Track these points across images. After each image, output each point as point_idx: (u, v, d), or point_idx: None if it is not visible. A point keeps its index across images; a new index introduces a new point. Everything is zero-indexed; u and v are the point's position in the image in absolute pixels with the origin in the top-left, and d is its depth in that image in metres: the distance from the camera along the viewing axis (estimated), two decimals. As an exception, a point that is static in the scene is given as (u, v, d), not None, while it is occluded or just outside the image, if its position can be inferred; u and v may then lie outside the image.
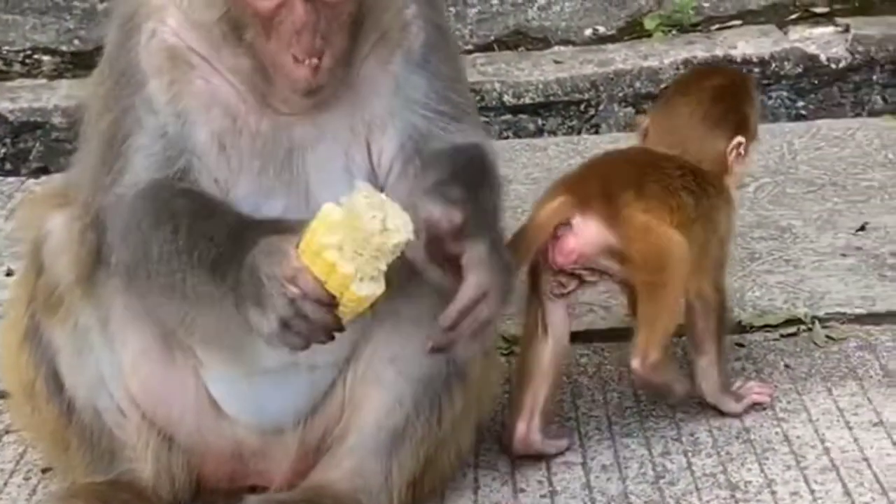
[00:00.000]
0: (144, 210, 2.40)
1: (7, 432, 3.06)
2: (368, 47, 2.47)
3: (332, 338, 2.27)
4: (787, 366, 3.21)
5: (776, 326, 3.39)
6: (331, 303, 2.22)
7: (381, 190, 2.40)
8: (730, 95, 3.09)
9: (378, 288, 2.23)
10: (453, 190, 2.34)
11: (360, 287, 2.21)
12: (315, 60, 2.30)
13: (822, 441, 2.90)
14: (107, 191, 2.46)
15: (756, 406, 3.02)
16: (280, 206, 2.46)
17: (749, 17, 5.47)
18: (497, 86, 5.13)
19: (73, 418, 2.61)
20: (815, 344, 3.32)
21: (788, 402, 3.07)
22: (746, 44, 5.21)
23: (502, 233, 2.52)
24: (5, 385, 2.83)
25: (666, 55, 5.20)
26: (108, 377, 2.60)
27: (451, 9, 5.42)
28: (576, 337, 3.36)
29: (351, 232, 2.19)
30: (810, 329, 3.37)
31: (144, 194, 2.42)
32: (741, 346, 3.33)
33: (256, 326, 2.27)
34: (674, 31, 5.42)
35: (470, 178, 2.43)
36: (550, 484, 2.82)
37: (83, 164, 2.58)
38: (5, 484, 2.90)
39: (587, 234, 2.81)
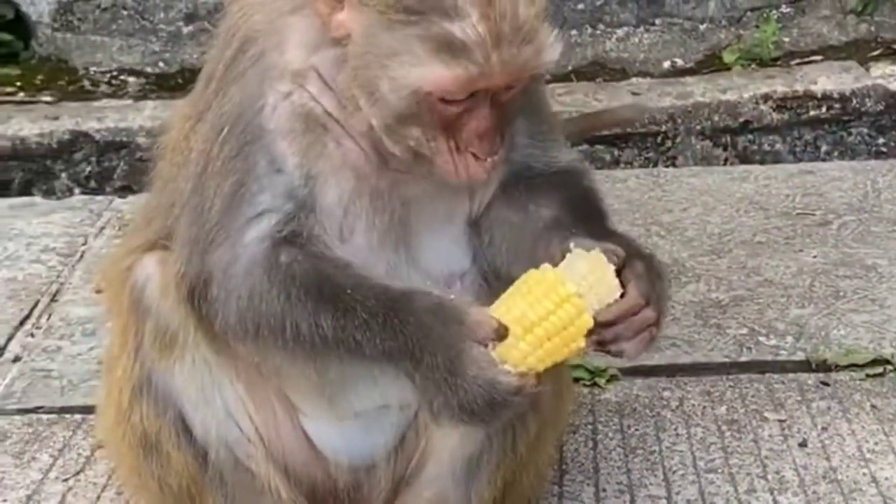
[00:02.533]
0: (267, 272, 2.36)
1: (100, 447, 3.12)
2: None
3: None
4: (873, 406, 3.19)
5: (862, 366, 3.36)
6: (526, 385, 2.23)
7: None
8: None
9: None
10: (599, 227, 2.39)
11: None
12: (494, 157, 2.32)
13: (911, 483, 2.89)
14: (224, 246, 2.40)
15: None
16: (385, 261, 2.46)
17: (829, 52, 5.47)
18: (575, 116, 5.15)
19: (207, 459, 2.56)
20: (903, 385, 3.31)
21: (876, 444, 3.06)
22: (827, 79, 5.20)
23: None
24: (113, 454, 2.77)
25: (745, 89, 5.19)
26: (233, 409, 2.56)
27: (530, 38, 5.46)
28: (659, 371, 3.41)
29: (596, 284, 2.24)
30: (897, 370, 3.36)
31: (279, 261, 2.37)
32: (826, 384, 3.32)
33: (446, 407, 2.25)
34: (753, 65, 5.41)
35: (596, 207, 2.47)
36: (636, 517, 2.83)
37: (189, 217, 2.48)
38: (98, 498, 2.96)
39: None
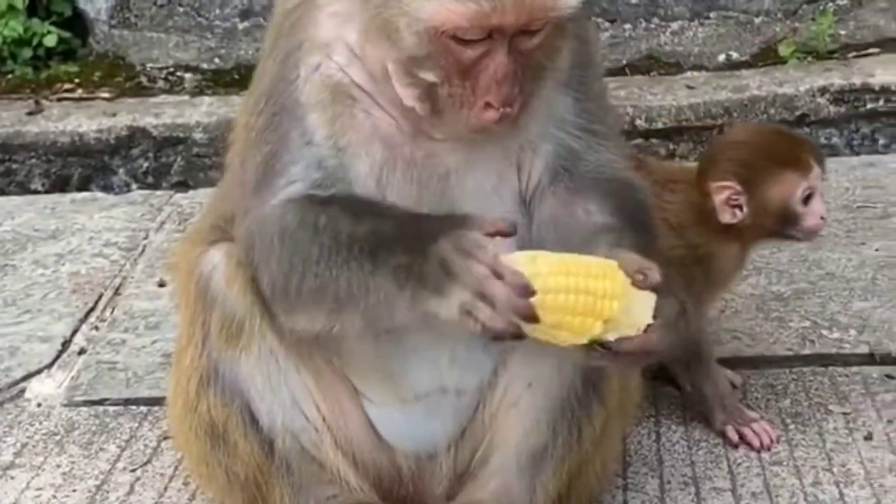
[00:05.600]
0: (296, 215, 2.37)
1: (165, 438, 3.15)
2: (550, 71, 2.45)
3: (516, 337, 2.18)
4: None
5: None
6: (527, 290, 2.14)
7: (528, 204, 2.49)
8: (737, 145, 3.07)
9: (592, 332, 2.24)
10: (643, 241, 2.37)
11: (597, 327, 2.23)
12: (508, 109, 2.29)
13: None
14: (258, 212, 2.44)
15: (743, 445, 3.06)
16: None
17: (888, 45, 5.40)
18: (630, 110, 5.13)
19: (273, 448, 2.58)
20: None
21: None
22: (884, 72, 5.14)
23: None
24: (180, 444, 2.79)
25: (802, 82, 5.15)
26: (300, 398, 2.59)
27: (584, 33, 5.45)
28: (721, 363, 3.38)
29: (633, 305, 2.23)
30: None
31: (295, 205, 2.39)
32: (891, 378, 3.29)
33: (435, 310, 2.19)
34: (809, 58, 5.37)
35: (644, 225, 2.45)
36: (701, 509, 2.83)
37: (236, 194, 2.56)
38: (165, 489, 2.99)
39: None
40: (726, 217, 2.99)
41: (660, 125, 5.13)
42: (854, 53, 5.37)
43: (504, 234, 2.22)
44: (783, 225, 3.00)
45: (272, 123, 2.45)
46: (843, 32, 5.45)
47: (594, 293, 2.19)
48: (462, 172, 2.47)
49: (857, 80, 5.12)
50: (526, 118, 2.40)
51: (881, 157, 4.90)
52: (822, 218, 3.00)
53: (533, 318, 2.15)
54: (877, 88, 5.09)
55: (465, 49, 2.27)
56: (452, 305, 2.17)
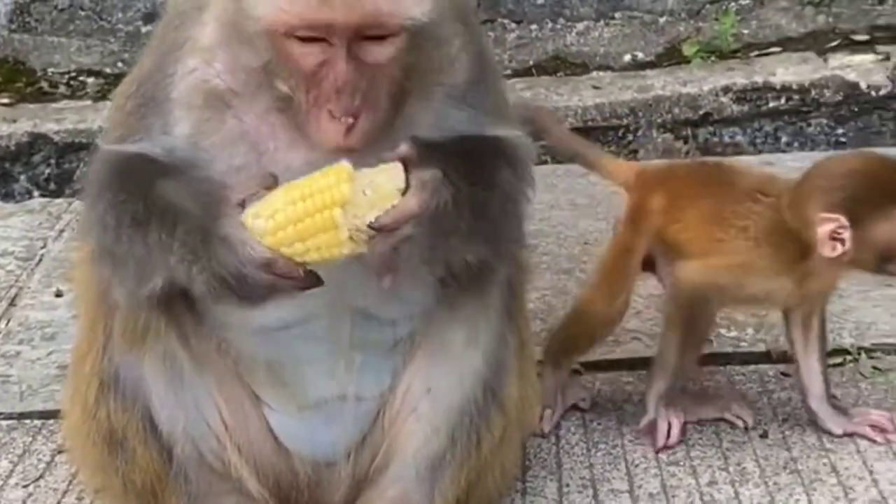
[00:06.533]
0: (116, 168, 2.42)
1: (59, 452, 3.10)
2: (411, 88, 2.41)
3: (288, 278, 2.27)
4: (833, 396, 3.21)
5: (822, 356, 3.38)
6: (304, 281, 2.26)
7: None
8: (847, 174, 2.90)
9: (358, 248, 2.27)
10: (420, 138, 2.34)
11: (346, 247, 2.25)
12: (350, 119, 2.26)
13: (871, 473, 2.91)
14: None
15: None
16: None
17: (788, 44, 5.49)
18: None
19: (172, 455, 2.55)
20: (862, 375, 3.32)
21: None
22: (786, 71, 5.22)
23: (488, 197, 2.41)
24: (77, 454, 2.76)
25: (705, 81, 5.21)
26: (202, 403, 2.56)
27: (490, 34, 5.47)
28: (621, 364, 3.42)
29: (380, 188, 2.24)
30: (856, 360, 3.38)
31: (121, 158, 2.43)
32: (787, 375, 3.34)
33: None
34: (713, 58, 5.44)
35: (460, 142, 2.41)
36: (598, 512, 2.84)
37: None
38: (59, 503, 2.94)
39: None
40: (826, 251, 2.81)
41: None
42: (756, 52, 5.45)
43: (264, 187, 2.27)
44: (882, 263, 2.86)
45: (138, 112, 2.46)
46: (745, 32, 5.52)
47: (320, 192, 2.23)
48: None
49: (759, 79, 5.19)
50: (389, 132, 2.36)
51: (781, 155, 4.98)
52: None
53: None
54: (778, 87, 5.17)
55: (305, 52, 2.25)
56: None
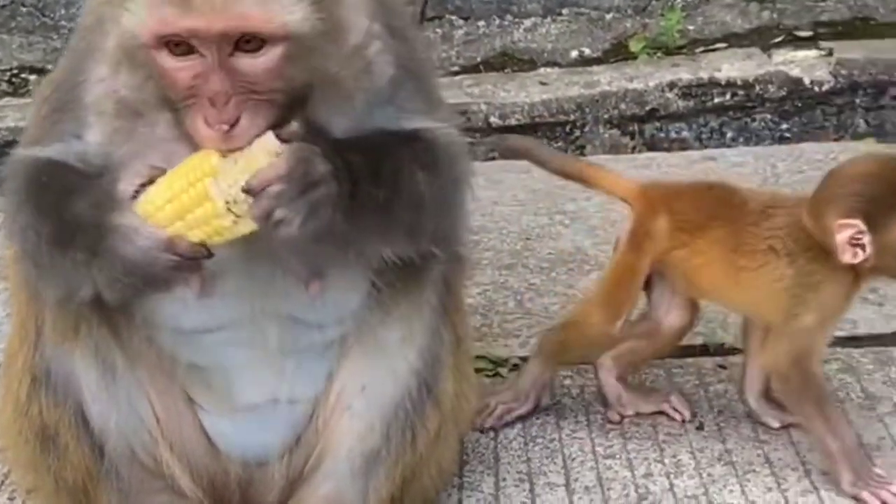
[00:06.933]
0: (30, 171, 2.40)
1: (-9, 453, 3.06)
2: (320, 93, 2.35)
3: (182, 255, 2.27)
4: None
5: (758, 349, 3.40)
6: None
7: None
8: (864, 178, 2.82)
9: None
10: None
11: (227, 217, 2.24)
12: (225, 127, 2.23)
13: (804, 464, 2.93)
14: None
15: None
16: None
17: (733, 40, 5.53)
18: (483, 107, 5.17)
19: (104, 452, 2.53)
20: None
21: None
22: (731, 66, 5.26)
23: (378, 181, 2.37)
24: (8, 453, 2.72)
25: (651, 77, 5.24)
26: (134, 399, 2.54)
27: (437, 30, 5.48)
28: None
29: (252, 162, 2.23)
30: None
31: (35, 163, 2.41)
32: (724, 367, 3.36)
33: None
34: (659, 54, 5.47)
35: (370, 136, 2.39)
36: (534, 505, 2.85)
37: None
38: (-11, 504, 2.91)
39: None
40: (847, 257, 2.75)
41: (513, 122, 5.18)
42: (702, 48, 5.49)
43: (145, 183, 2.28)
44: None
45: (52, 116, 2.44)
46: (691, 28, 5.56)
47: (192, 169, 2.24)
48: None
49: (704, 75, 5.23)
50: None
51: (724, 150, 5.01)
52: None
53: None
54: (723, 83, 5.21)
55: (179, 66, 2.23)
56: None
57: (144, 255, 2.25)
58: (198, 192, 2.22)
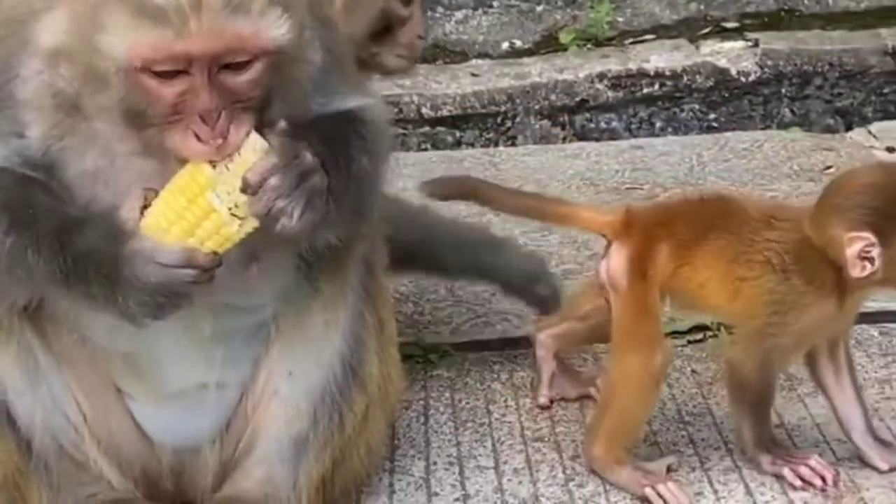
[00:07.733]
0: None
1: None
2: (277, 89, 2.38)
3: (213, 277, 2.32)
4: (693, 371, 3.30)
5: (684, 333, 3.46)
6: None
7: None
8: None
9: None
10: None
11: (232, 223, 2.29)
12: (220, 141, 2.27)
13: (726, 443, 2.99)
14: None
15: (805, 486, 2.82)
16: None
17: (661, 31, 5.61)
18: (415, 98, 5.20)
19: (31, 448, 2.54)
20: (721, 350, 3.41)
21: (694, 406, 3.16)
22: (659, 57, 5.34)
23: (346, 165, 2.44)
24: None
25: (581, 69, 5.31)
26: (59, 396, 2.55)
27: (371, 22, 5.48)
28: (491, 345, 3.47)
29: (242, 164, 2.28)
30: (716, 335, 3.46)
31: None
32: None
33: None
34: (589, 45, 5.53)
35: (319, 121, 2.43)
36: (463, 488, 2.88)
37: None
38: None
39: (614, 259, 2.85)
40: (856, 271, 2.67)
41: (445, 113, 5.21)
42: (631, 40, 5.56)
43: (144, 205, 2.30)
44: None
45: None
46: (620, 20, 5.63)
47: (188, 185, 2.28)
48: None
49: (633, 66, 5.30)
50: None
51: (651, 139, 5.08)
52: None
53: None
54: (652, 73, 5.28)
55: (164, 87, 2.23)
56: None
57: (168, 275, 2.27)
58: (200, 207, 2.26)
